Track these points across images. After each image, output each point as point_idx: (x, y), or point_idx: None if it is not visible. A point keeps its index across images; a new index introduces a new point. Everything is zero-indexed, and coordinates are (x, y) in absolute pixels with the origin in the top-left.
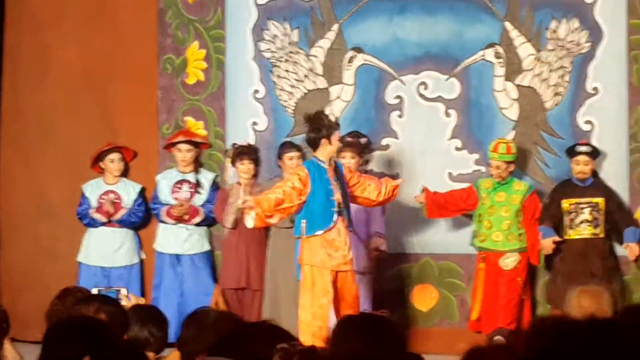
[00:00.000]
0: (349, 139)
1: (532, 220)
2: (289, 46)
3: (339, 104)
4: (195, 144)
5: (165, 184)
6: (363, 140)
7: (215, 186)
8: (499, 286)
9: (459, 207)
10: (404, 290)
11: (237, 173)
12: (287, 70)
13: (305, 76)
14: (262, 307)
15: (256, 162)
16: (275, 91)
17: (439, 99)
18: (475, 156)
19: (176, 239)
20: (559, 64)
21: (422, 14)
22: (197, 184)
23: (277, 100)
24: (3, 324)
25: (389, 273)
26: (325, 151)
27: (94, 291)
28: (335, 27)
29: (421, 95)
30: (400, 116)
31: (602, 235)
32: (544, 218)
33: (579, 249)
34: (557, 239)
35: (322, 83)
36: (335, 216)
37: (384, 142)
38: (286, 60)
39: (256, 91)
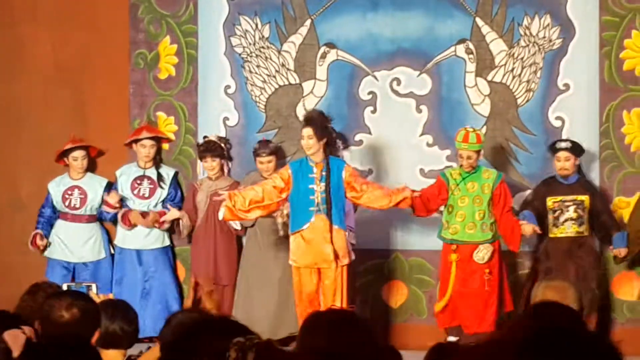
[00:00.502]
0: None
1: (504, 210)
2: (260, 41)
3: (312, 99)
4: (158, 139)
5: (124, 180)
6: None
7: (176, 183)
8: (468, 282)
9: (437, 203)
10: (374, 286)
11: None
12: (258, 66)
13: (277, 71)
14: (233, 302)
15: (222, 157)
16: (247, 86)
17: (410, 94)
18: (447, 152)
19: (137, 234)
20: (531, 60)
21: (394, 10)
22: (159, 179)
23: (248, 96)
24: None
25: (359, 269)
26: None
27: (64, 287)
28: (308, 22)
29: (394, 91)
30: (373, 112)
31: (586, 234)
32: (526, 209)
33: (564, 247)
34: (537, 229)
35: (294, 78)
36: (313, 215)
37: (357, 137)
38: (257, 56)
39: (227, 86)
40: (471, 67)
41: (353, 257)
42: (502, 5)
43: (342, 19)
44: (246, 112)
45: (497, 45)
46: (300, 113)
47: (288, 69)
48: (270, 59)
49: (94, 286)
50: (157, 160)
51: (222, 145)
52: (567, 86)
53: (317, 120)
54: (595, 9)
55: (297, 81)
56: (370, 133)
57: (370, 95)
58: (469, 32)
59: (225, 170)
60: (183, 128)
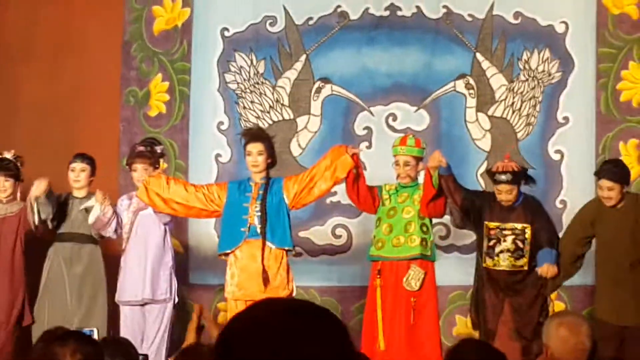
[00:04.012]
0: (140, 148)
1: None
2: (255, 77)
3: (306, 134)
4: None
5: None
6: (159, 148)
7: None
8: (395, 314)
9: (369, 195)
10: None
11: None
12: (252, 102)
13: (271, 107)
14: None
15: (17, 179)
16: (240, 122)
17: (407, 130)
18: None
19: None
20: (530, 94)
21: (391, 45)
22: None
23: None
24: None
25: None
26: None
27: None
28: (303, 57)
29: (390, 127)
30: (368, 147)
31: (526, 268)
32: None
33: (499, 284)
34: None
35: (288, 114)
36: (243, 237)
37: None
38: (252, 92)
39: (221, 122)
40: (472, 102)
41: (178, 301)
42: (502, 40)
43: (337, 53)
44: (239, 148)
45: (497, 80)
46: (295, 149)
47: (282, 105)
48: (265, 94)
49: (95, 330)
50: None
51: (19, 165)
52: (566, 119)
53: (267, 138)
54: (592, 41)
55: (292, 117)
56: (365, 169)
57: (366, 131)
58: (469, 67)
59: (18, 195)
60: (173, 165)
